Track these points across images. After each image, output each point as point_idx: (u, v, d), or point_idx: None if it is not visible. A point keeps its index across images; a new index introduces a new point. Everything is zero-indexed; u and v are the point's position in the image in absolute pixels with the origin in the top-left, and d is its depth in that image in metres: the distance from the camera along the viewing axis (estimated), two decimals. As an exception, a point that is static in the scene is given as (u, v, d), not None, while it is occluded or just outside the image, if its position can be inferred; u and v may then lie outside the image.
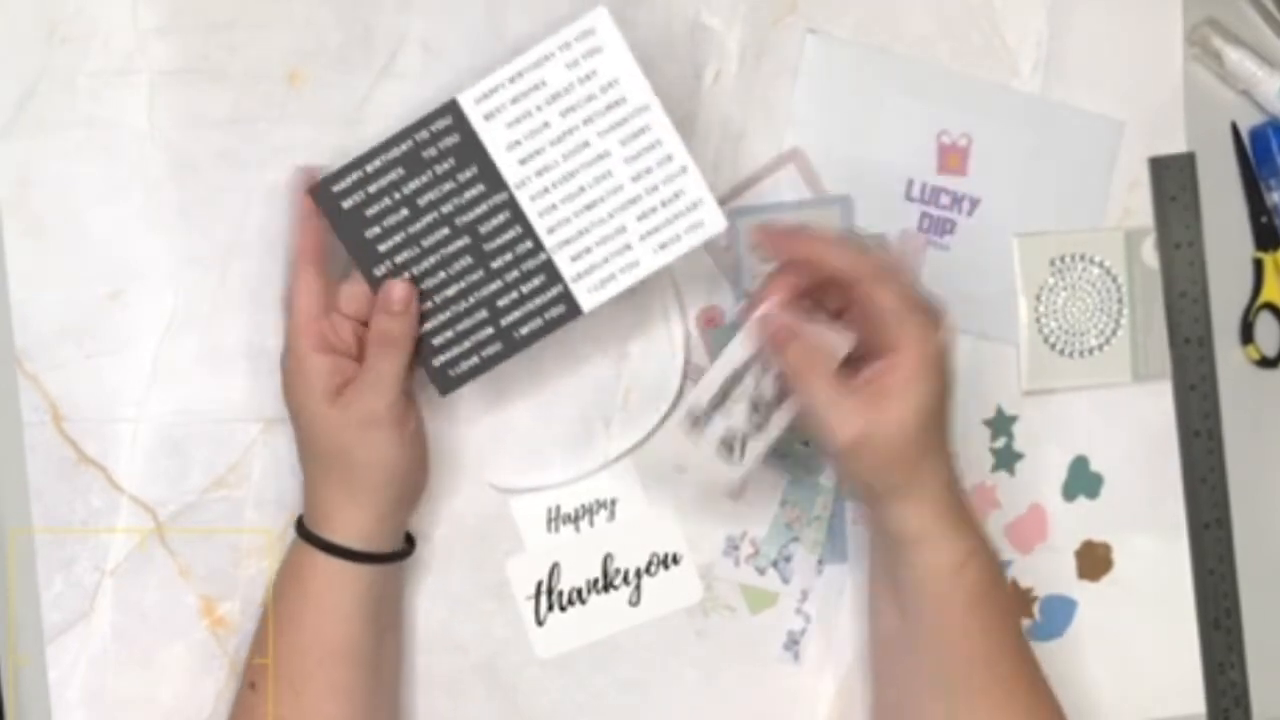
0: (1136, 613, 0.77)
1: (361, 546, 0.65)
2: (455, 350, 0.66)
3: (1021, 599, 0.76)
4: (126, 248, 0.70)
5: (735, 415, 0.66)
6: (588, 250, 0.66)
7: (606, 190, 0.65)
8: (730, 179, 0.74)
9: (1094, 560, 0.77)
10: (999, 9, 0.76)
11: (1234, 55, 0.77)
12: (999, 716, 0.64)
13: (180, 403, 0.71)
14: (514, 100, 0.64)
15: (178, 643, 0.71)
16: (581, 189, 0.65)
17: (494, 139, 0.65)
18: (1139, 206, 0.77)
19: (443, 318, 0.66)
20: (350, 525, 0.65)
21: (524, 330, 0.66)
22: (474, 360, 0.67)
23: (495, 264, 0.66)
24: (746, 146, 0.74)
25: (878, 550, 0.68)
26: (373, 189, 0.65)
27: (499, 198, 0.65)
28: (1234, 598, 0.78)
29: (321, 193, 0.65)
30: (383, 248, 0.65)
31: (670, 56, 0.73)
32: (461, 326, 0.66)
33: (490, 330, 0.66)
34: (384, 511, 0.65)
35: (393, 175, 0.65)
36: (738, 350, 0.65)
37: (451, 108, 0.65)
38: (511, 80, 0.64)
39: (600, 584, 0.73)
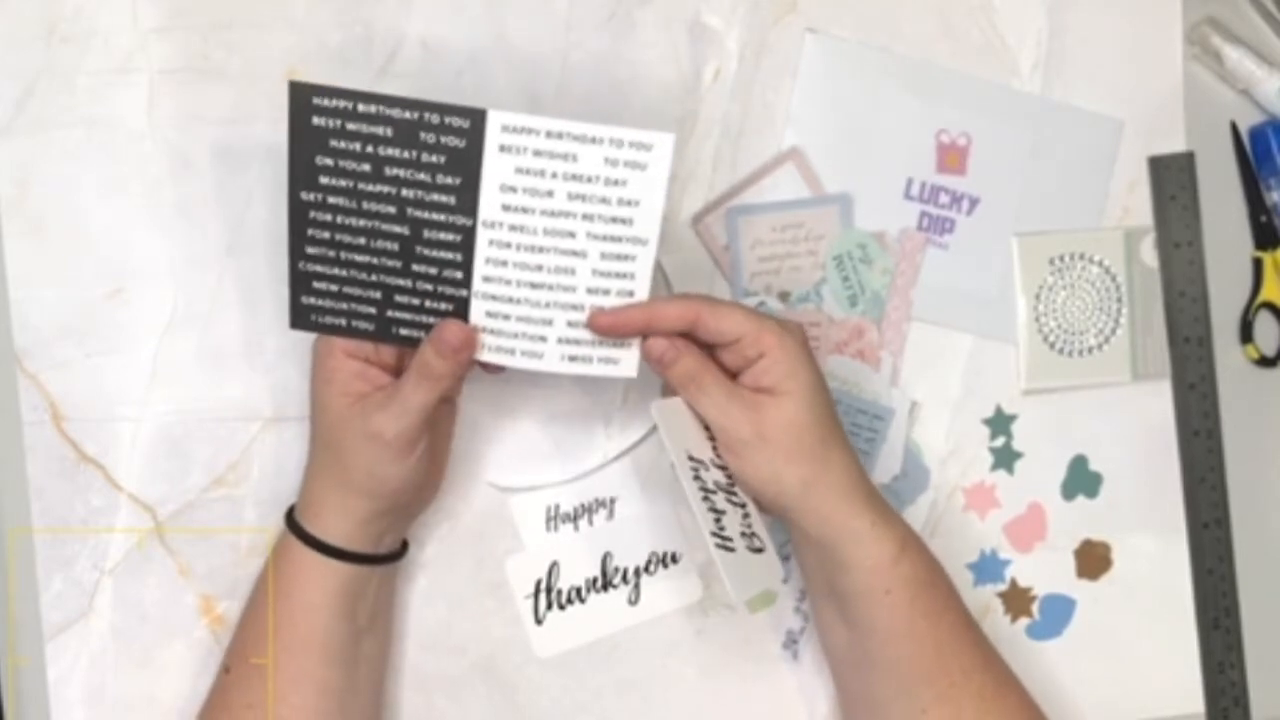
0: (1136, 612, 0.77)
1: (339, 544, 0.64)
2: (328, 301, 0.63)
3: (1021, 598, 0.77)
4: (126, 247, 0.70)
5: (726, 509, 0.64)
6: (506, 316, 0.63)
7: (559, 281, 0.63)
8: (730, 178, 0.74)
9: (1093, 559, 0.77)
10: (999, 9, 0.76)
11: (1234, 55, 0.77)
12: (964, 703, 0.63)
13: (180, 402, 0.71)
14: (537, 153, 0.61)
15: (177, 641, 0.71)
16: (539, 266, 0.62)
17: (494, 171, 0.61)
18: (1138, 206, 0.77)
19: (337, 272, 0.63)
20: (332, 522, 0.64)
21: (403, 331, 0.64)
22: (340, 321, 0.64)
23: (416, 268, 0.63)
24: (746, 145, 0.74)
25: (813, 570, 0.67)
26: (351, 127, 0.60)
27: (461, 220, 0.62)
28: (1233, 597, 0.78)
29: (299, 92, 0.60)
30: (324, 180, 0.61)
31: (670, 56, 0.73)
32: (350, 290, 0.63)
33: (372, 310, 0.63)
34: (369, 517, 0.65)
35: (379, 130, 0.60)
36: (676, 451, 0.63)
37: (477, 117, 0.61)
38: (549, 135, 0.61)
39: (599, 583, 0.73)
